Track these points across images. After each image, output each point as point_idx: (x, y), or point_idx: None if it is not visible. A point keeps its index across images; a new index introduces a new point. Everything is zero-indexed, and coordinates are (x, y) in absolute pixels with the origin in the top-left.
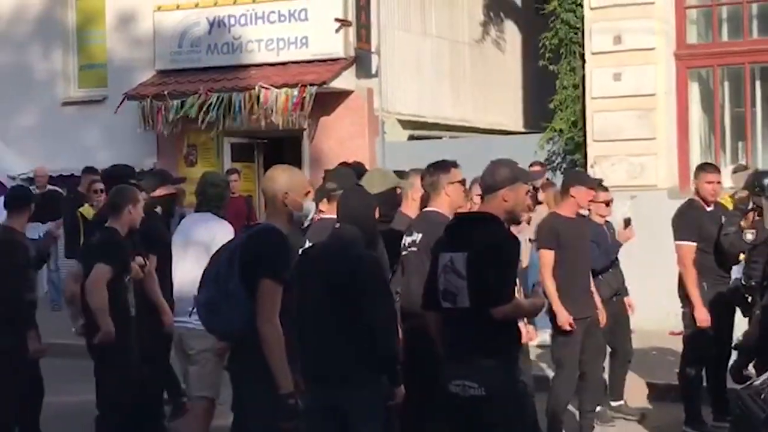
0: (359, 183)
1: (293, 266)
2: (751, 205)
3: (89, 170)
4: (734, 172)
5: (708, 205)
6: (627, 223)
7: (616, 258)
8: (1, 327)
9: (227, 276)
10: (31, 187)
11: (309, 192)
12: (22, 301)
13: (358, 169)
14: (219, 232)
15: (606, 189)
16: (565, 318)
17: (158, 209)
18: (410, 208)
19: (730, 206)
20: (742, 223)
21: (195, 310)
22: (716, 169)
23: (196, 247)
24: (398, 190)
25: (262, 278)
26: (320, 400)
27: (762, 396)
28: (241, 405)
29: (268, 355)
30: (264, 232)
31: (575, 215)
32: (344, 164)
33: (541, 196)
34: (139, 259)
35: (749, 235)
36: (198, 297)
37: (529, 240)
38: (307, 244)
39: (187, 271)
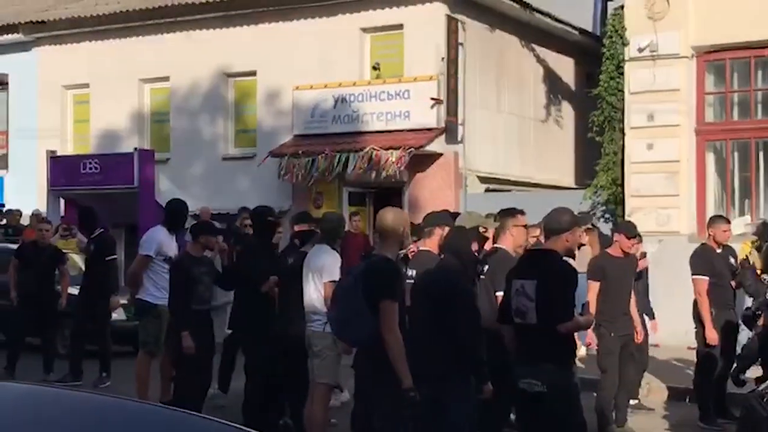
0: (456, 223)
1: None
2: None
3: (243, 210)
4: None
5: (718, 248)
6: (643, 255)
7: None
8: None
9: (355, 297)
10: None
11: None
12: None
13: (452, 214)
14: (327, 260)
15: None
16: (591, 338)
17: (296, 241)
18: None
19: (749, 251)
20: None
21: (327, 322)
22: (728, 221)
23: (313, 272)
24: (482, 229)
25: (383, 299)
26: (424, 394)
27: (765, 399)
28: (365, 396)
29: (392, 358)
30: (381, 262)
31: (622, 254)
32: (446, 211)
33: (584, 239)
34: (274, 278)
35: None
36: (330, 314)
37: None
38: (409, 272)
39: (310, 289)
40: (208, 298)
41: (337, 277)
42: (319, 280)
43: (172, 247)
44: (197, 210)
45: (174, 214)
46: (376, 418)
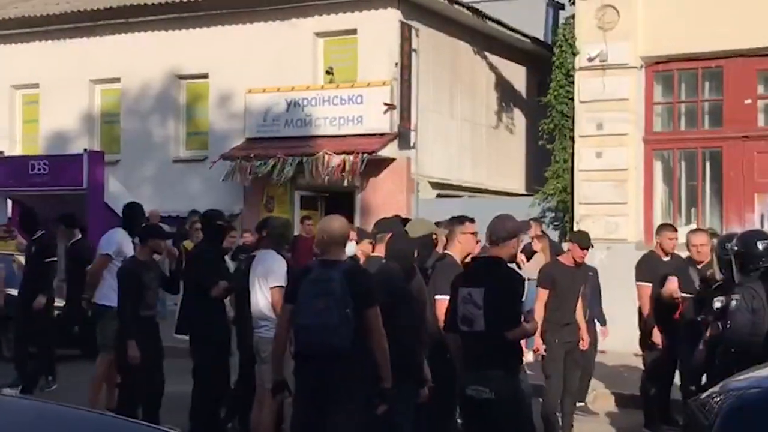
0: (405, 229)
1: None
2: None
3: (193, 213)
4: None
5: (665, 256)
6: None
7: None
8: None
9: (345, 305)
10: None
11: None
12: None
13: (403, 220)
14: (273, 265)
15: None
16: (539, 344)
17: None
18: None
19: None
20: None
21: (298, 332)
22: (674, 229)
23: (260, 277)
24: (434, 236)
25: (371, 306)
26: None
27: (706, 407)
28: (318, 404)
29: (382, 358)
30: (360, 269)
31: (574, 264)
32: (397, 216)
33: (536, 245)
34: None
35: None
36: (307, 322)
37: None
38: None
39: (257, 295)
40: (154, 303)
41: (283, 282)
42: (266, 285)
43: (130, 249)
44: (146, 212)
45: (132, 217)
46: (341, 423)
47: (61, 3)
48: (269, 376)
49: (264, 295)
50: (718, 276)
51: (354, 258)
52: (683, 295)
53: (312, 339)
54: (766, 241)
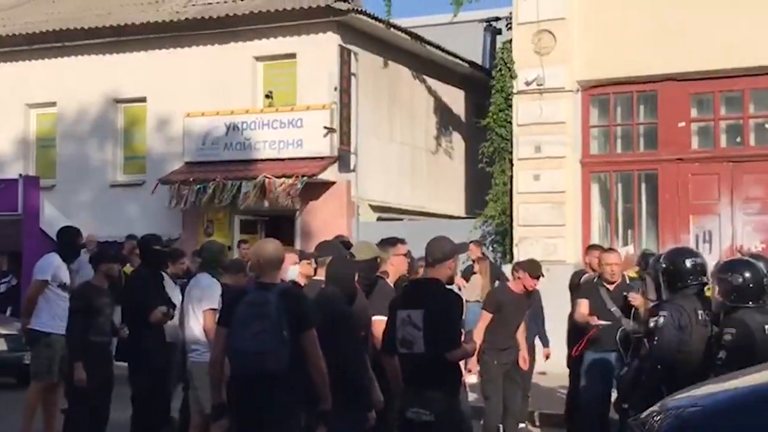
0: (351, 251)
1: None
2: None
3: (130, 237)
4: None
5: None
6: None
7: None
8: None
9: (281, 327)
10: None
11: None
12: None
13: (345, 242)
14: (207, 289)
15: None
16: (473, 364)
17: None
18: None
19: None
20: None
21: (233, 356)
22: (602, 249)
23: (193, 301)
24: (378, 260)
25: (310, 328)
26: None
27: (646, 427)
28: (264, 422)
29: (320, 380)
30: (295, 292)
31: (523, 291)
32: (339, 236)
33: (476, 267)
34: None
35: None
36: (243, 346)
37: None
38: None
39: (189, 319)
40: (107, 329)
41: (216, 305)
42: (199, 308)
43: (66, 275)
44: (84, 238)
45: (67, 242)
46: None
47: None
48: (203, 402)
49: (197, 319)
50: (652, 295)
51: (295, 283)
52: (600, 322)
53: (248, 363)
54: (693, 259)
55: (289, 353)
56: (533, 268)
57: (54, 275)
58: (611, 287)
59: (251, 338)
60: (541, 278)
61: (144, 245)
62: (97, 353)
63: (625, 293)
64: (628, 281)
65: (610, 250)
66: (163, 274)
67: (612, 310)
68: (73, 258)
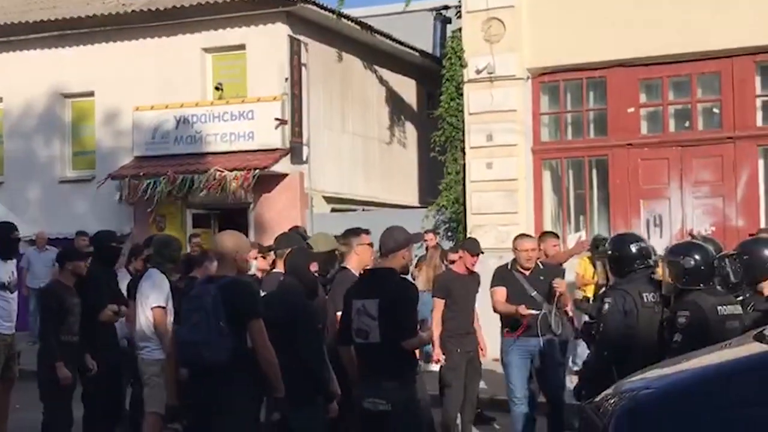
0: (308, 243)
1: None
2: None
3: (80, 234)
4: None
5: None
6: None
7: None
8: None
9: (217, 318)
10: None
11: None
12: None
13: (301, 234)
14: (155, 285)
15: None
16: (438, 353)
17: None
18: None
19: (589, 264)
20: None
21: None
22: (557, 236)
23: (142, 298)
24: (337, 252)
25: (252, 319)
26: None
27: (601, 410)
28: (212, 413)
29: (268, 370)
30: (236, 284)
31: (466, 271)
32: (295, 228)
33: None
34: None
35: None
36: (183, 338)
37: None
38: (262, 293)
39: (139, 316)
40: (76, 330)
41: (164, 302)
42: (147, 305)
43: (4, 273)
44: (33, 235)
45: (1, 240)
46: None
47: None
48: (153, 400)
49: (146, 316)
50: (601, 280)
51: (253, 277)
52: (532, 312)
53: (186, 353)
54: (638, 243)
55: (231, 345)
56: (472, 247)
57: None
58: (527, 273)
59: (189, 330)
60: (480, 256)
61: (98, 242)
62: (66, 353)
63: (548, 279)
64: (541, 267)
65: (526, 235)
66: (116, 271)
67: (533, 295)
68: (11, 255)
